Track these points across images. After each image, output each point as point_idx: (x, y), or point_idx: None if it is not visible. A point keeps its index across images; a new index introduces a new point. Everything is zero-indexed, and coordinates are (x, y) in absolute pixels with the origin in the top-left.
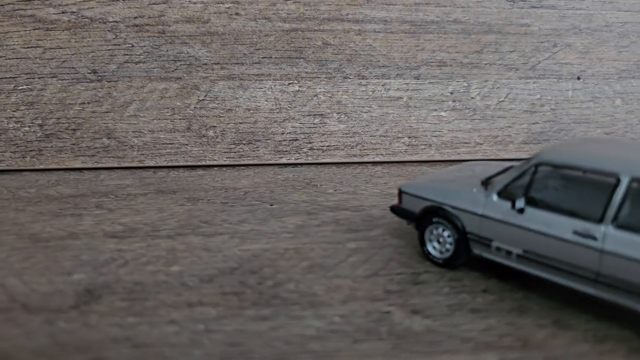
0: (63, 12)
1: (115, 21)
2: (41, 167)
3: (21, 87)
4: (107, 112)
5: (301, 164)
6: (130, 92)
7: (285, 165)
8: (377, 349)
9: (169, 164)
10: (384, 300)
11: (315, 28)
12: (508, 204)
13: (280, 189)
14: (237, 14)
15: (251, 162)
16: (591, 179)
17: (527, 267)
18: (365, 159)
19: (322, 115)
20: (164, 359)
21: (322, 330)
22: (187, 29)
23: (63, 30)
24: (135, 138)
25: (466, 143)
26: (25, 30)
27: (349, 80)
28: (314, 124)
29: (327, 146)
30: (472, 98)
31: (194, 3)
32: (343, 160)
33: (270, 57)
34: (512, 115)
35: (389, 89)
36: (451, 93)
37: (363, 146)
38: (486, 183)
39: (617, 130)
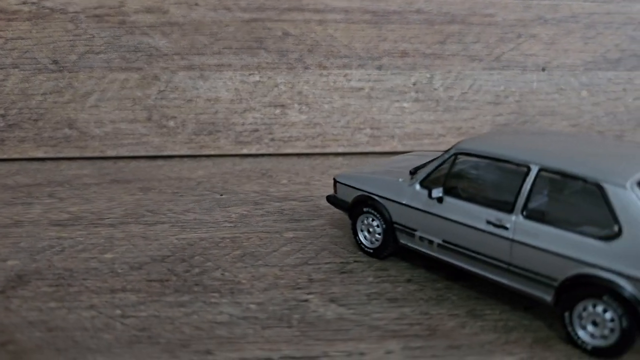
0: (24, 3)
1: (75, 12)
2: (4, 157)
3: None
4: (68, 102)
5: (262, 155)
6: (91, 83)
7: (246, 156)
8: (283, 335)
9: (130, 154)
10: (304, 289)
11: (276, 18)
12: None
13: (235, 179)
14: (196, 4)
15: (212, 152)
16: (506, 169)
17: (447, 257)
18: (327, 150)
19: (283, 106)
20: (73, 343)
21: (235, 317)
22: (147, 19)
23: (24, 21)
24: (96, 128)
25: (429, 134)
26: None
27: (310, 70)
28: (275, 114)
29: (289, 137)
30: (435, 89)
31: None
32: (304, 151)
33: (230, 48)
34: (475, 106)
35: (350, 80)
36: (414, 84)
37: (324, 137)
38: (413, 173)
39: (584, 123)
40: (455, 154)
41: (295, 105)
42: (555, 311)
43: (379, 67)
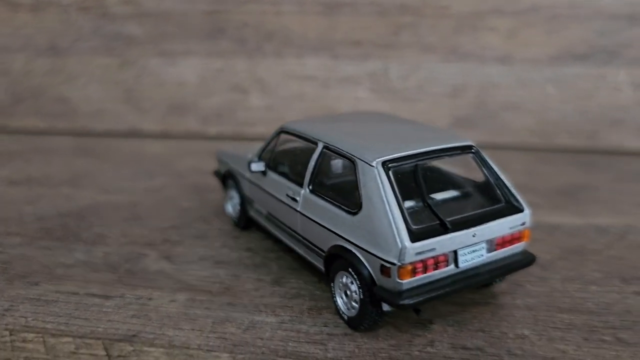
0: None
1: (67, 4)
2: (12, 127)
3: None
4: (62, 82)
5: (226, 138)
6: (81, 66)
7: (212, 138)
8: (102, 278)
9: (111, 129)
10: (153, 246)
11: (235, 9)
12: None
13: (181, 157)
14: None
15: (180, 132)
16: (308, 147)
17: (270, 227)
18: None
19: (243, 90)
20: None
21: (79, 261)
22: (124, 10)
23: (27, 12)
24: (85, 106)
25: None
26: None
27: (268, 59)
28: (237, 99)
29: (251, 120)
30: (390, 79)
31: None
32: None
33: (196, 37)
34: (432, 98)
35: (305, 68)
36: (368, 74)
37: (284, 122)
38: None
39: (550, 119)
40: (279, 132)
41: (255, 91)
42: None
43: (333, 57)
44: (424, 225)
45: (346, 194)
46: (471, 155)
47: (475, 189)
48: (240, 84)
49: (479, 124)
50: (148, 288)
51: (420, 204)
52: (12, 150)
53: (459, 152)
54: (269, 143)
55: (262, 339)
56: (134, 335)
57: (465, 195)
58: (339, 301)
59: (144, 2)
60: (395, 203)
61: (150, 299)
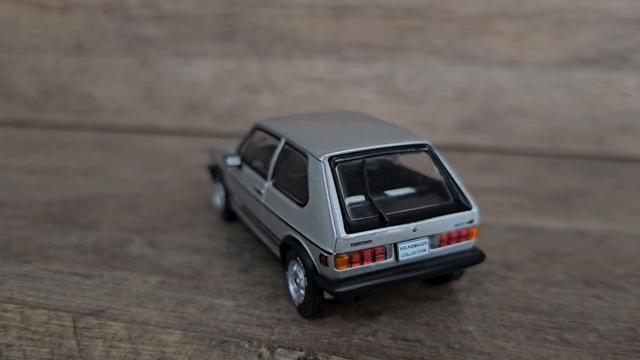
0: None
1: (93, 6)
2: (42, 121)
3: (30, 59)
4: (88, 80)
5: (238, 137)
6: (104, 65)
7: (226, 136)
8: (88, 260)
9: (132, 124)
10: (141, 233)
11: (247, 12)
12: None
13: (191, 153)
14: (181, 0)
15: (196, 130)
16: (275, 143)
17: (244, 218)
18: None
19: (254, 91)
20: None
21: (71, 244)
22: (144, 12)
23: (56, 14)
24: (108, 103)
25: None
26: (31, 13)
27: (278, 60)
28: (248, 99)
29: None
30: (396, 82)
31: None
32: None
33: (210, 38)
34: (438, 101)
35: (313, 70)
36: (375, 76)
37: None
38: None
39: (558, 124)
40: (254, 129)
41: (265, 92)
42: None
43: (340, 59)
44: (362, 218)
45: (299, 188)
46: (425, 153)
47: (428, 186)
48: (252, 84)
49: (485, 128)
50: (126, 270)
51: (363, 198)
52: (39, 142)
53: (412, 150)
54: (246, 139)
55: (216, 320)
56: (101, 311)
57: (417, 192)
58: (291, 288)
59: (162, 5)
60: (336, 196)
61: (125, 279)
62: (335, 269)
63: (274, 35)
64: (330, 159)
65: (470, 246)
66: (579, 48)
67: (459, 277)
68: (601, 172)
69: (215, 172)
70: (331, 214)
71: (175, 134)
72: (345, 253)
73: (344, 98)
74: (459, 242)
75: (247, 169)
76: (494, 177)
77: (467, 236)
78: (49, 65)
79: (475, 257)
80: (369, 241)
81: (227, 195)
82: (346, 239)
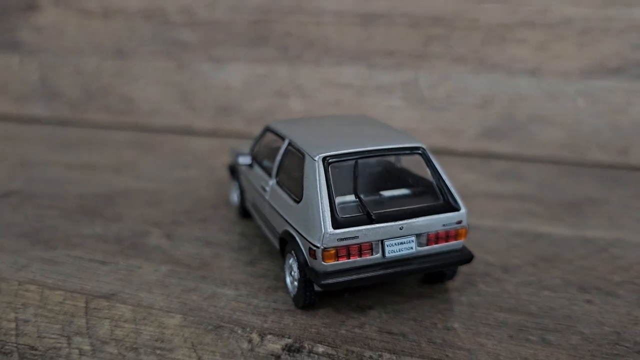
0: (99, 5)
1: (133, 13)
2: (84, 120)
3: (74, 62)
4: (127, 83)
5: None
6: (142, 69)
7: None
8: (109, 249)
9: (167, 125)
10: (159, 225)
11: (279, 19)
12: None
13: (225, 154)
14: (216, 6)
15: (228, 131)
16: (281, 144)
17: (255, 214)
18: None
19: (284, 95)
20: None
21: (95, 234)
22: (181, 19)
23: (98, 20)
24: (145, 104)
25: (416, 132)
26: (76, 19)
27: (307, 66)
28: (277, 104)
29: None
30: (421, 89)
31: None
32: None
33: (242, 44)
34: (461, 108)
35: (342, 76)
36: (401, 83)
37: None
38: None
39: (582, 133)
40: (265, 130)
41: (294, 96)
42: None
43: (368, 66)
44: (350, 215)
45: (297, 185)
46: (419, 156)
47: (421, 187)
48: (282, 89)
49: (507, 135)
50: (141, 259)
51: (353, 196)
52: (79, 140)
53: (406, 152)
54: (257, 140)
55: (215, 307)
56: (112, 294)
57: (410, 193)
58: (287, 280)
59: (197, 12)
60: (326, 193)
61: (139, 267)
62: (323, 262)
63: (304, 42)
64: (324, 159)
65: (459, 246)
66: (604, 57)
67: (453, 277)
68: (621, 182)
69: (234, 171)
70: (320, 210)
71: (207, 135)
72: (332, 247)
73: (371, 104)
74: (447, 242)
75: (257, 168)
76: (511, 184)
77: (456, 237)
78: (91, 68)
79: (464, 257)
80: (356, 237)
81: (242, 192)
82: (333, 234)
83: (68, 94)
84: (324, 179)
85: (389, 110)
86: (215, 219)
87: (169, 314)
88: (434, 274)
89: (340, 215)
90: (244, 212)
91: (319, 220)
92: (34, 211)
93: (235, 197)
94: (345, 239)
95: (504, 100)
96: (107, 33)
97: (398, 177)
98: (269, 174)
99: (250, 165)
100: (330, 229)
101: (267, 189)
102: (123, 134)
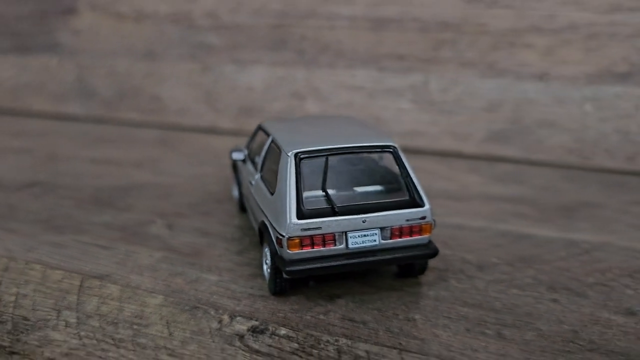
0: (132, 10)
1: (162, 17)
2: (115, 118)
3: (108, 63)
4: (157, 83)
5: None
6: (171, 70)
7: None
8: (112, 235)
9: (193, 124)
10: (164, 216)
11: (296, 23)
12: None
13: None
14: (239, 11)
15: (249, 131)
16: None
17: (247, 206)
18: None
19: (301, 97)
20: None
21: (104, 221)
22: (206, 22)
23: (130, 23)
24: (173, 104)
25: (425, 135)
26: (110, 22)
27: (323, 69)
28: (295, 105)
29: None
30: (430, 92)
31: (211, 1)
32: None
33: (263, 47)
34: (470, 112)
35: (355, 79)
36: (410, 87)
37: None
38: None
39: (589, 138)
40: (258, 129)
41: (310, 97)
42: None
43: (379, 69)
44: (315, 208)
45: (274, 179)
46: (389, 154)
47: (391, 184)
48: (299, 91)
49: (515, 139)
50: (139, 245)
51: (320, 191)
52: (109, 137)
53: (377, 150)
54: (252, 137)
55: (196, 290)
56: (106, 275)
57: (379, 189)
58: (264, 268)
59: (221, 16)
60: (295, 187)
61: (136, 253)
62: (288, 250)
63: (319, 46)
64: (296, 155)
65: (424, 241)
66: (611, 62)
67: (423, 272)
68: (625, 188)
69: (235, 167)
70: (288, 202)
71: (229, 134)
72: (297, 237)
73: (381, 106)
74: (411, 236)
75: (249, 164)
76: (512, 186)
77: (420, 232)
78: (123, 69)
79: (428, 252)
80: (319, 228)
81: (240, 187)
82: (297, 224)
83: (102, 93)
84: (294, 173)
85: (398, 112)
86: (217, 212)
87: (152, 295)
88: (406, 268)
89: (307, 207)
90: (243, 206)
91: (286, 211)
92: (53, 200)
93: (235, 192)
94: (309, 229)
95: (512, 105)
96: (139, 36)
97: (375, 174)
98: (256, 169)
99: (244, 161)
100: (294, 219)
101: (253, 182)
102: (151, 132)
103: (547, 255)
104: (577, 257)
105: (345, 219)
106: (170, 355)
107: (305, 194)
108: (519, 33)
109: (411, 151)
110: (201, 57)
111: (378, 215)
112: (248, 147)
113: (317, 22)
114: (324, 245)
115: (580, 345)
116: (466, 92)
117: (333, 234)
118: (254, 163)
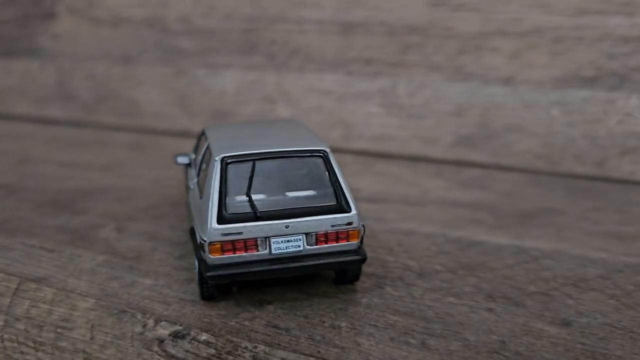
0: (109, 14)
1: (138, 21)
2: (96, 121)
3: (86, 67)
4: (133, 87)
5: None
6: (146, 74)
7: None
8: (61, 238)
9: (167, 128)
10: (117, 220)
11: (267, 27)
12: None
13: None
14: (211, 16)
15: None
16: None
17: (188, 210)
18: None
19: (272, 101)
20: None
21: (57, 224)
22: (179, 27)
23: (107, 27)
24: (149, 108)
25: (394, 139)
26: (88, 27)
27: (293, 73)
28: (266, 108)
29: None
30: (398, 97)
31: (184, 5)
32: None
33: (235, 51)
34: (437, 116)
35: (323, 83)
36: (378, 91)
37: None
38: None
39: (557, 143)
40: (201, 133)
41: (281, 102)
42: None
43: (347, 73)
44: (237, 213)
45: (204, 184)
46: (319, 159)
47: (320, 189)
48: (270, 95)
49: (482, 144)
50: (85, 249)
51: (245, 196)
52: (84, 141)
53: (307, 155)
54: (197, 141)
55: (129, 294)
56: (44, 278)
57: (308, 194)
58: (196, 272)
59: (194, 20)
60: (218, 191)
61: (80, 256)
62: (210, 255)
63: (289, 50)
64: (222, 159)
65: (353, 247)
66: (578, 66)
67: (357, 279)
68: (590, 193)
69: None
70: (210, 206)
71: None
72: (217, 242)
73: (350, 110)
74: (338, 242)
75: (191, 168)
76: (474, 192)
77: (347, 238)
78: (101, 72)
79: (356, 258)
80: (240, 233)
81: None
82: (217, 229)
83: (81, 96)
84: (219, 177)
85: (367, 116)
86: (169, 216)
87: (84, 298)
88: (341, 275)
89: (229, 212)
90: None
91: (207, 215)
92: (12, 203)
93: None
94: (230, 234)
95: (479, 109)
96: (116, 40)
97: (311, 179)
98: (197, 174)
99: (189, 165)
100: (215, 224)
101: (192, 187)
102: (126, 135)
103: (494, 262)
104: (524, 264)
105: (266, 224)
106: (86, 359)
107: (234, 199)
108: (486, 37)
109: (380, 155)
110: (175, 61)
111: (302, 221)
112: (195, 151)
113: (287, 26)
114: (246, 251)
115: (505, 356)
116: (434, 96)
117: (255, 239)
118: (194, 168)
